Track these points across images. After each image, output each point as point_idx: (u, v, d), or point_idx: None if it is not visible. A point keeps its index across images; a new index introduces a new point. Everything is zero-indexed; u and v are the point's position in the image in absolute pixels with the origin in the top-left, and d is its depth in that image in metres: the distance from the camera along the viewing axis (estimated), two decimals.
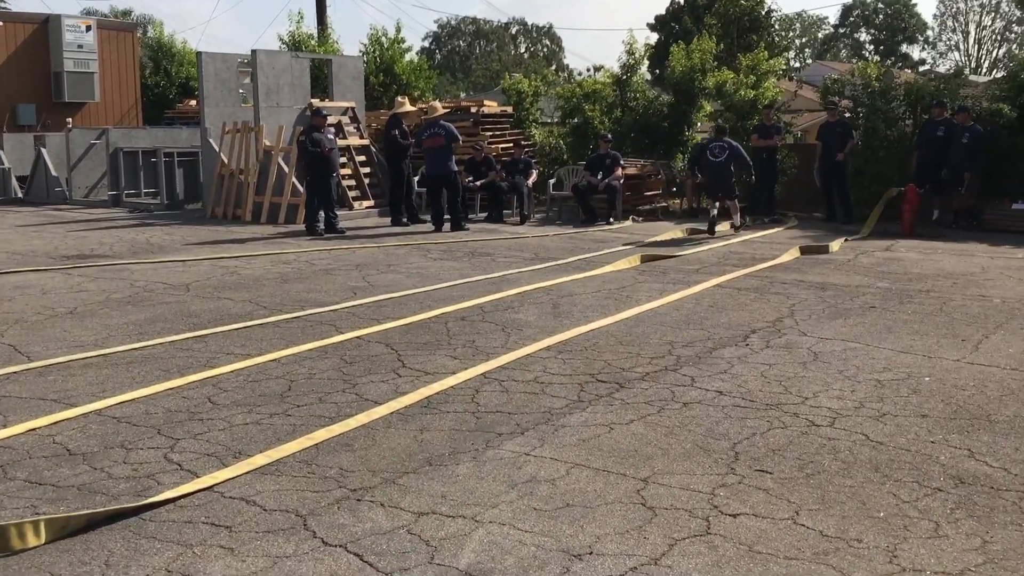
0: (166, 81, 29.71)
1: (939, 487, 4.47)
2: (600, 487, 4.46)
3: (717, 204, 15.15)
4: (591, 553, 3.79)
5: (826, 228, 15.49)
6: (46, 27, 25.78)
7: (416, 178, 16.52)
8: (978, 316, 8.33)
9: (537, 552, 3.80)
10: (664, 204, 18.47)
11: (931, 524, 4.06)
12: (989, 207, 15.37)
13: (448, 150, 15.39)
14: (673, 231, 14.88)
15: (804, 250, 12.59)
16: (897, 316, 8.34)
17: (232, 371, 6.53)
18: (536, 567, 3.67)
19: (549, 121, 22.69)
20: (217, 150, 17.37)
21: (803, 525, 4.06)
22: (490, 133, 18.92)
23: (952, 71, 17.06)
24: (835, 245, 13.07)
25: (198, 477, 4.57)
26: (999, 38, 61.61)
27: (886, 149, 16.30)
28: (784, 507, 4.24)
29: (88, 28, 26.39)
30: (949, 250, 12.87)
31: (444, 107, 17.70)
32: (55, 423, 5.41)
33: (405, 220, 16.01)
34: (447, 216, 15.42)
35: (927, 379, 6.31)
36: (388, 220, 16.23)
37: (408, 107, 16.71)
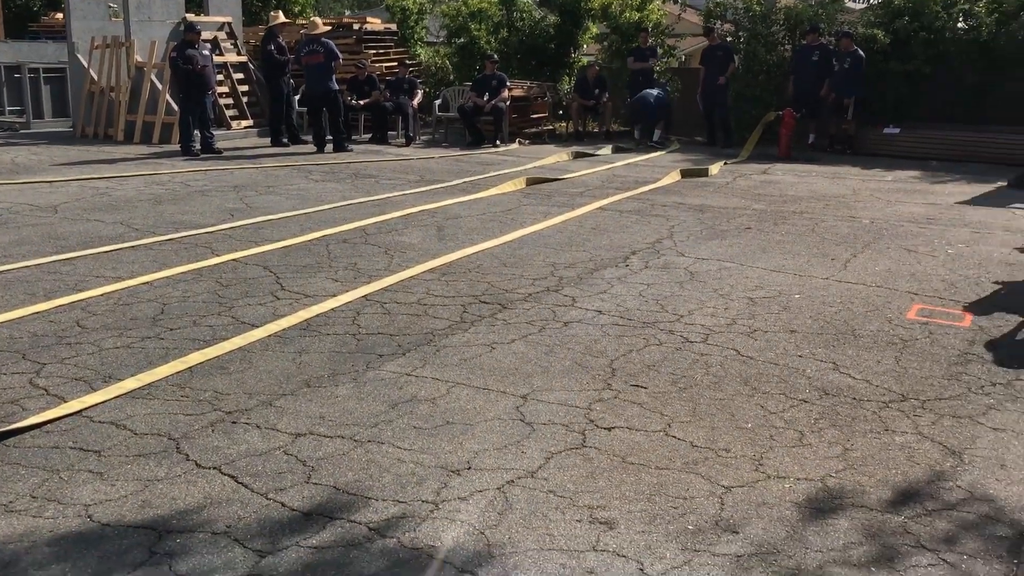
0: None
1: (804, 399, 4.65)
2: (480, 405, 4.50)
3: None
4: (469, 468, 3.83)
5: (707, 152, 15.74)
6: None
7: (297, 97, 16.06)
8: (847, 236, 8.63)
9: (416, 469, 3.82)
10: (551, 127, 18.46)
11: (796, 434, 4.23)
12: (862, 132, 15.83)
13: (328, 68, 14.95)
14: (559, 154, 14.91)
15: (684, 173, 12.79)
16: (771, 237, 8.57)
17: (102, 294, 6.31)
18: (414, 483, 3.69)
19: (435, 40, 22.31)
20: (86, 66, 16.54)
21: (674, 437, 4.17)
22: (373, 52, 18.49)
23: None
24: (714, 168, 13.31)
25: (65, 402, 4.43)
26: None
27: (765, 74, 16.58)
28: (657, 420, 4.35)
29: None
30: (823, 173, 13.25)
31: (325, 23, 17.17)
32: None
33: (285, 140, 15.60)
34: (329, 136, 15.08)
35: (797, 296, 6.52)
36: (268, 140, 15.79)
37: (282, 19, 16.08)
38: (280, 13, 16.56)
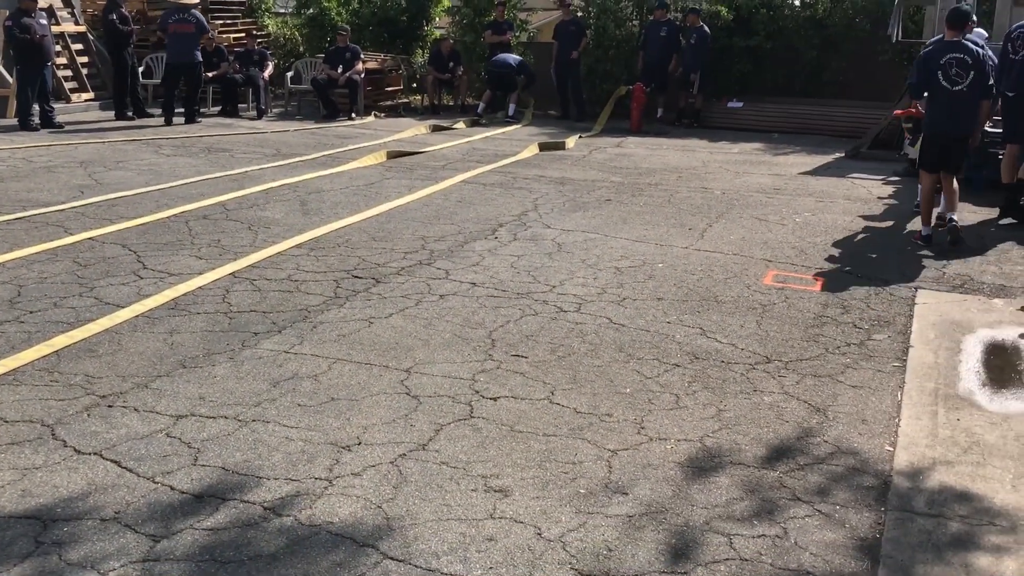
0: None
1: (677, 363, 4.84)
2: (364, 380, 4.50)
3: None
4: (359, 444, 3.84)
5: (561, 125, 15.97)
6: None
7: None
8: (702, 207, 8.95)
9: (305, 447, 3.80)
10: (406, 100, 18.33)
11: (672, 397, 4.41)
12: (708, 105, 16.37)
13: (196, 39, 14.57)
14: (417, 127, 14.85)
15: (542, 147, 12.95)
16: (630, 208, 8.81)
17: None
18: (305, 461, 3.68)
19: (283, 11, 21.76)
20: None
21: (559, 404, 4.29)
22: (220, 22, 17.89)
23: None
24: (570, 142, 13.53)
25: None
26: None
27: (615, 48, 16.91)
28: (540, 388, 4.46)
29: None
30: (673, 146, 13.65)
31: None
32: None
33: (131, 114, 14.98)
34: (180, 109, 14.61)
35: (660, 265, 6.75)
36: (111, 114, 15.12)
37: None
38: None
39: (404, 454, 3.76)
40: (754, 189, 10.00)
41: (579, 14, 17.34)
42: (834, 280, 6.49)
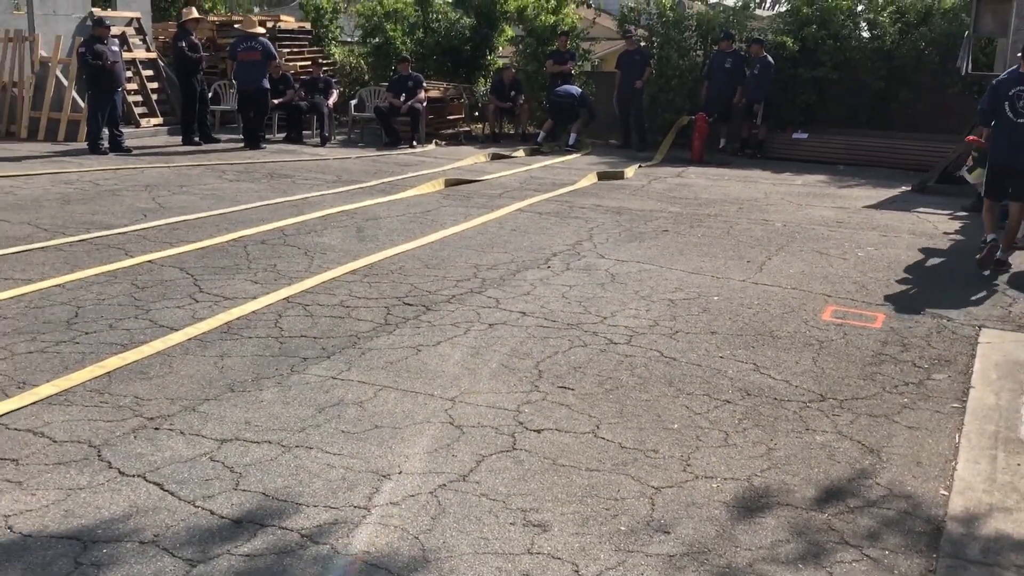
0: None
1: (728, 399, 4.75)
2: (408, 408, 4.48)
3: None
4: (400, 472, 3.81)
5: (621, 154, 15.92)
6: None
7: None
8: (761, 239, 8.82)
9: (346, 474, 3.79)
10: (467, 128, 18.45)
11: (721, 434, 4.31)
12: (771, 136, 16.20)
13: (264, 66, 14.94)
14: (476, 155, 14.91)
15: (601, 176, 12.92)
16: (688, 239, 8.72)
17: (12, 297, 6.10)
18: (345, 488, 3.66)
19: (349, 40, 22.11)
20: None
21: (603, 438, 4.22)
22: (287, 50, 18.22)
23: (740, 4, 17.69)
24: (630, 171, 13.47)
25: None
26: None
27: (678, 78, 16.83)
28: (585, 421, 4.40)
29: None
30: (735, 177, 13.52)
31: (234, 20, 16.91)
32: None
33: (197, 139, 15.30)
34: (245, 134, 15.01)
35: (716, 298, 6.64)
36: (179, 139, 15.47)
37: (195, 15, 15.82)
38: (193, 9, 16.21)
39: (444, 484, 3.72)
40: (816, 222, 9.84)
41: (642, 43, 17.32)
42: (895, 317, 6.34)
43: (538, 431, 4.26)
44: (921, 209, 10.95)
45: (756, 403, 4.70)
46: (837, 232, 9.28)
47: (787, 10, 17.24)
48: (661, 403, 4.66)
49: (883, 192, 12.30)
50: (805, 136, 15.94)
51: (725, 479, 3.86)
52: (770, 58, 15.67)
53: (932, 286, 7.27)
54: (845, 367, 5.28)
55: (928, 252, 8.50)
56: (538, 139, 16.56)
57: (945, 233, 9.50)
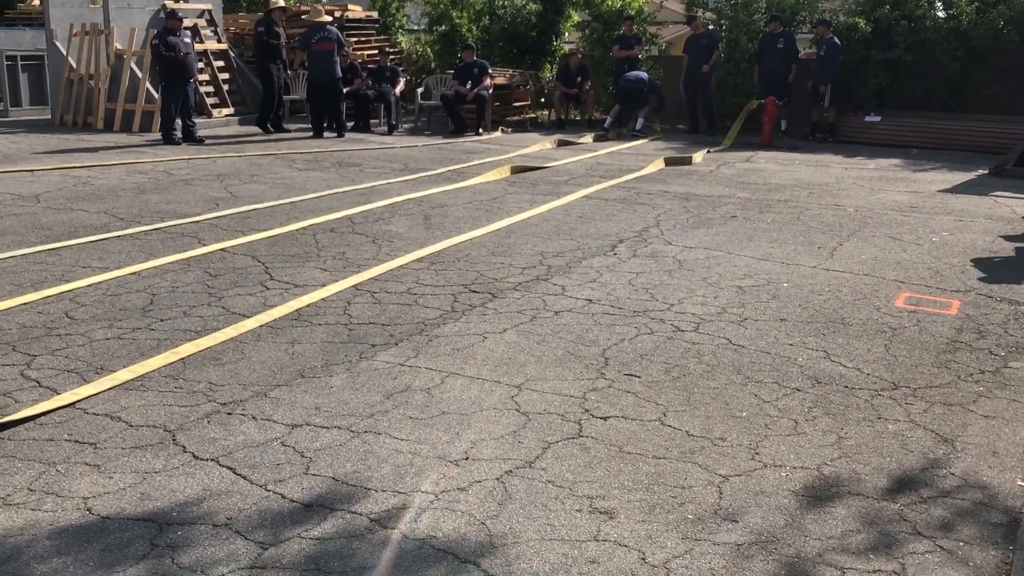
0: None
1: (797, 387, 4.68)
2: (475, 395, 4.51)
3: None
4: (467, 459, 3.84)
5: (689, 139, 15.77)
6: None
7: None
8: (833, 224, 8.68)
9: (414, 460, 3.82)
10: (533, 115, 18.44)
11: (790, 422, 4.26)
12: (843, 120, 15.91)
13: (335, 55, 15.15)
14: (542, 142, 14.89)
15: (668, 161, 12.82)
16: (757, 225, 8.61)
17: (90, 285, 6.27)
18: (413, 474, 3.70)
19: (416, 28, 22.22)
20: (64, 54, 16.37)
21: (670, 426, 4.19)
22: (355, 39, 18.38)
23: None
24: (698, 156, 13.34)
25: (58, 394, 4.40)
26: None
27: (748, 62, 16.62)
28: (652, 409, 4.37)
29: None
30: (806, 161, 13.30)
31: (303, 10, 17.09)
32: None
33: (270, 127, 15.55)
34: (328, 123, 15.33)
35: (785, 285, 6.55)
36: (250, 128, 15.73)
37: (281, 3, 16.04)
38: None
39: (511, 471, 3.73)
40: (889, 207, 9.64)
41: (710, 27, 17.11)
42: (970, 303, 6.19)
43: (604, 418, 4.26)
44: (998, 193, 10.67)
45: (826, 391, 4.63)
46: (911, 217, 9.09)
47: None
48: (729, 391, 4.62)
49: (959, 176, 12.01)
50: (878, 119, 15.63)
51: (794, 468, 3.81)
52: (836, 39, 15.36)
53: (1009, 272, 7.08)
54: (919, 355, 5.18)
55: (1005, 237, 8.28)
56: (605, 125, 16.48)
57: (1023, 217, 9.25)
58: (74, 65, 16.24)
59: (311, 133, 15.38)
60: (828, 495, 3.59)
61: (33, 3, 23.19)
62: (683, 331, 5.51)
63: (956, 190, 10.92)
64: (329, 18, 15.93)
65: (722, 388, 4.65)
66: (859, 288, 6.50)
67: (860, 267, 7.08)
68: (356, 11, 19.21)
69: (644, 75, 16.46)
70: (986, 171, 12.34)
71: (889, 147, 14.80)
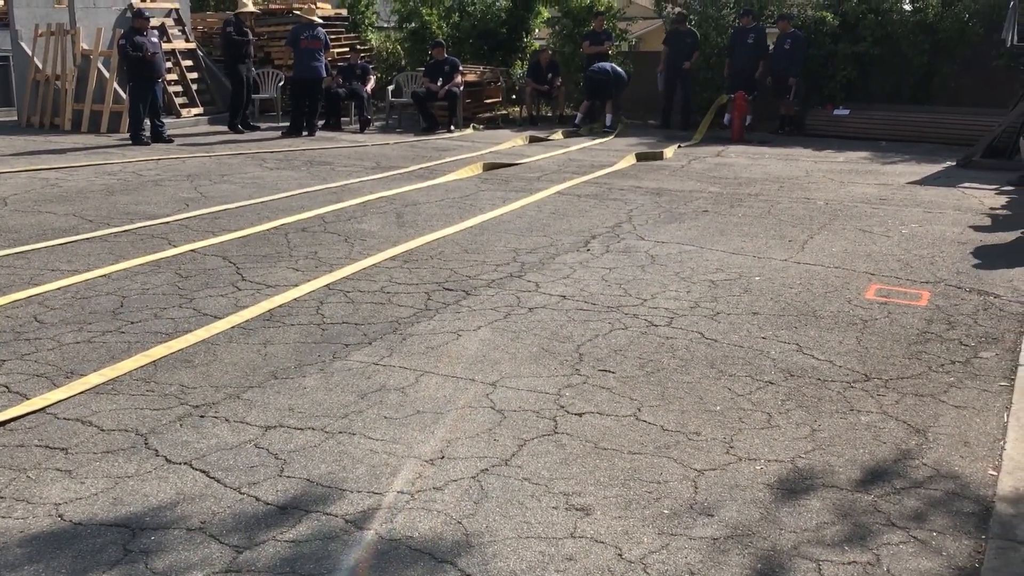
0: None
1: (771, 380, 4.71)
2: (449, 393, 4.50)
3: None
4: (443, 457, 3.83)
5: (660, 134, 15.81)
6: None
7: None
8: (803, 218, 8.73)
9: (389, 460, 3.81)
10: (504, 112, 18.42)
11: (764, 415, 4.28)
12: (811, 113, 16.00)
13: (321, 54, 15.19)
14: (514, 139, 14.89)
15: (640, 157, 12.85)
16: (728, 219, 8.65)
17: (59, 288, 6.20)
18: (388, 474, 3.68)
19: (385, 26, 22.14)
20: (30, 54, 16.17)
21: (645, 421, 4.20)
22: None
23: None
24: (669, 152, 13.38)
25: (28, 399, 4.35)
26: None
27: (717, 56, 16.68)
28: (627, 404, 4.38)
29: None
30: (775, 155, 13.38)
31: (270, 8, 17.00)
32: None
33: (239, 127, 15.46)
34: (311, 122, 15.44)
35: (757, 279, 6.59)
36: (219, 128, 15.61)
37: (251, 8, 16.10)
38: (249, 1, 16.37)
39: (486, 469, 3.73)
40: (859, 199, 9.72)
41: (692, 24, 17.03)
42: (940, 294, 6.25)
43: (579, 415, 4.26)
44: (966, 184, 10.78)
45: (799, 384, 4.66)
46: (880, 209, 9.16)
47: None
48: (703, 385, 4.64)
49: (927, 168, 12.12)
50: (847, 112, 15.74)
51: (768, 461, 3.83)
52: (799, 33, 15.47)
53: (978, 263, 7.15)
54: (890, 346, 5.22)
55: (974, 229, 8.36)
56: (576, 121, 16.49)
57: (991, 208, 9.34)
58: (40, 66, 16.05)
59: (281, 132, 15.29)
60: (802, 488, 3.61)
61: None
62: (657, 326, 5.53)
63: (925, 182, 11.02)
64: (319, 19, 15.87)
65: (696, 382, 4.67)
66: (830, 281, 6.54)
67: (831, 260, 7.13)
68: (325, 8, 19.07)
69: (609, 66, 16.47)
70: (954, 163, 12.47)
71: (858, 140, 14.90)
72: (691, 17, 17.10)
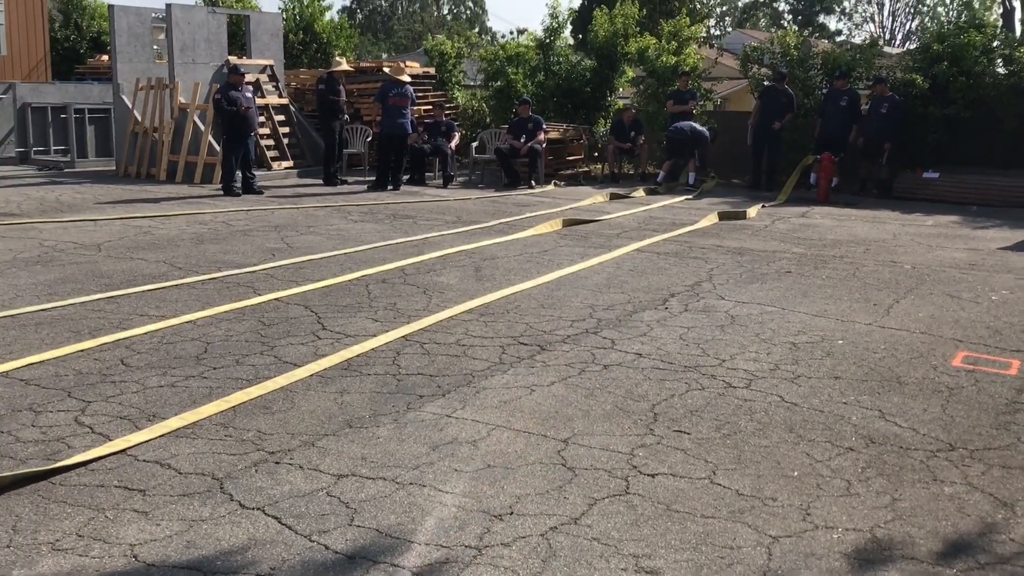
0: (76, 35, 28.63)
1: (851, 447, 4.59)
2: (521, 448, 4.48)
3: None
4: (511, 513, 3.80)
5: (744, 194, 15.70)
6: None
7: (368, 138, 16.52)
8: (889, 281, 8.55)
9: (458, 513, 3.80)
10: (586, 169, 18.53)
11: (843, 483, 4.17)
12: (900, 176, 15.75)
13: (408, 111, 15.59)
14: (595, 195, 14.93)
15: (722, 216, 12.77)
16: (812, 281, 8.51)
17: (146, 332, 6.37)
18: (456, 528, 3.67)
19: (472, 84, 22.52)
20: (130, 107, 16.86)
21: (720, 484, 4.13)
22: None
23: (867, 42, 17.37)
24: (752, 211, 13.27)
25: (110, 440, 4.46)
26: (912, 11, 63.03)
27: (803, 117, 16.56)
28: (701, 467, 4.31)
29: None
30: (862, 217, 13.17)
31: (362, 66, 17.47)
32: None
33: (336, 179, 15.98)
34: (397, 177, 15.80)
35: (840, 342, 6.45)
36: (308, 181, 16.04)
37: (345, 66, 16.67)
38: (343, 61, 16.94)
39: (555, 527, 3.69)
40: (947, 264, 9.49)
41: (785, 85, 16.86)
42: None
43: (652, 475, 4.20)
44: None
45: (880, 451, 4.53)
46: (969, 275, 8.93)
47: (917, 47, 16.82)
48: (781, 450, 4.54)
49: (1019, 233, 11.79)
50: (936, 176, 15.44)
51: (846, 529, 3.72)
52: (898, 96, 15.27)
53: None
54: (977, 415, 5.05)
55: None
56: (658, 179, 16.49)
57: None
58: (139, 118, 16.70)
59: (367, 186, 15.61)
60: (881, 558, 3.49)
61: (102, 59, 23.97)
62: (735, 387, 5.44)
63: (1016, 248, 10.72)
64: (408, 78, 16.26)
65: (773, 446, 4.57)
66: (915, 346, 6.38)
67: (917, 325, 6.95)
68: (414, 67, 19.54)
69: (687, 125, 16.44)
70: None
71: (947, 204, 14.59)
72: (767, 78, 17.02)
